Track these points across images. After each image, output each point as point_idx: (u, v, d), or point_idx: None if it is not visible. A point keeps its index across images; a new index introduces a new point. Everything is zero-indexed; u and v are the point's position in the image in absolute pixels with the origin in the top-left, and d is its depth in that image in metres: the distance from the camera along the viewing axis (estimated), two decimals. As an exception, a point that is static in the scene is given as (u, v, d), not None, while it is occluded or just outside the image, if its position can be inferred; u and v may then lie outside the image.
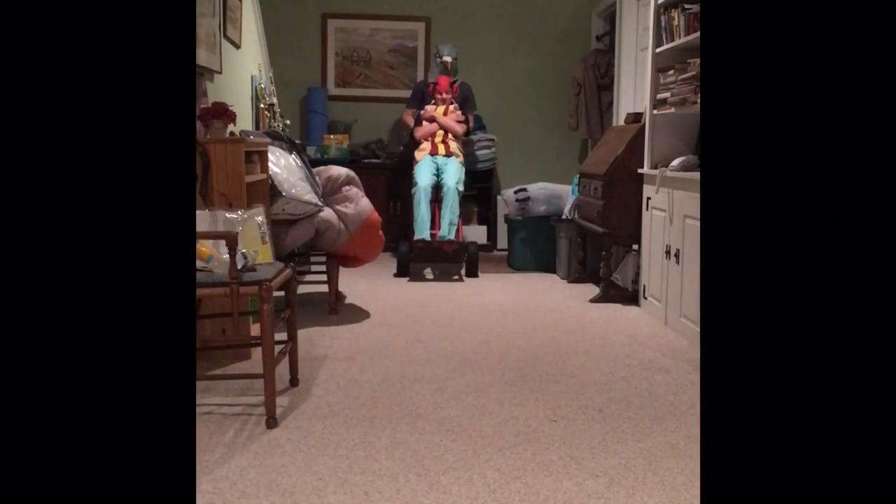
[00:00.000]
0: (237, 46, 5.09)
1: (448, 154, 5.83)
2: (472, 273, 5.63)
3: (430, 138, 5.90)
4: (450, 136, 5.91)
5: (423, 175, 5.67)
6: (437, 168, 5.75)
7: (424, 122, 5.98)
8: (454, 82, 6.09)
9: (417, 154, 5.89)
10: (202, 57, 4.08)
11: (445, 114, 5.98)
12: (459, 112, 6.01)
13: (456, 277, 5.48)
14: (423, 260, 5.55)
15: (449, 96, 6.01)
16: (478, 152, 6.67)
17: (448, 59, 6.07)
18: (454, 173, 5.69)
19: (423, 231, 5.50)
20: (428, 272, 5.73)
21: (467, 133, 6.14)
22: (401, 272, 5.61)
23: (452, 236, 5.50)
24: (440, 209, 5.67)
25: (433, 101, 6.04)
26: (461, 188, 5.69)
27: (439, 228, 5.57)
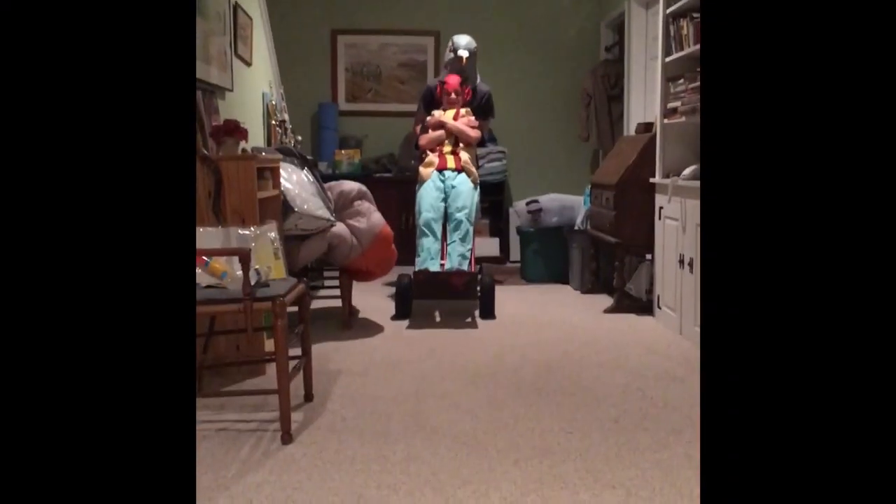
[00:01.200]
0: (248, 64, 5.13)
1: (458, 168, 4.86)
2: (487, 313, 4.61)
3: (437, 149, 4.95)
4: (461, 145, 4.94)
5: (429, 201, 4.71)
6: (445, 189, 4.79)
7: (431, 130, 5.02)
8: (465, 81, 5.09)
9: (423, 170, 4.90)
10: (213, 75, 4.11)
11: (456, 118, 5.00)
12: (472, 118, 5.03)
13: (468, 321, 4.51)
14: (426, 295, 4.67)
15: (460, 98, 5.04)
16: (488, 164, 6.66)
17: (464, 54, 4.97)
18: (465, 198, 4.72)
19: (427, 262, 4.56)
20: (436, 314, 4.70)
21: (482, 142, 5.18)
22: (400, 313, 4.59)
23: (464, 268, 4.55)
24: (448, 237, 4.71)
25: (442, 105, 5.10)
26: (473, 219, 4.75)
27: (446, 259, 4.63)
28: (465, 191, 4.75)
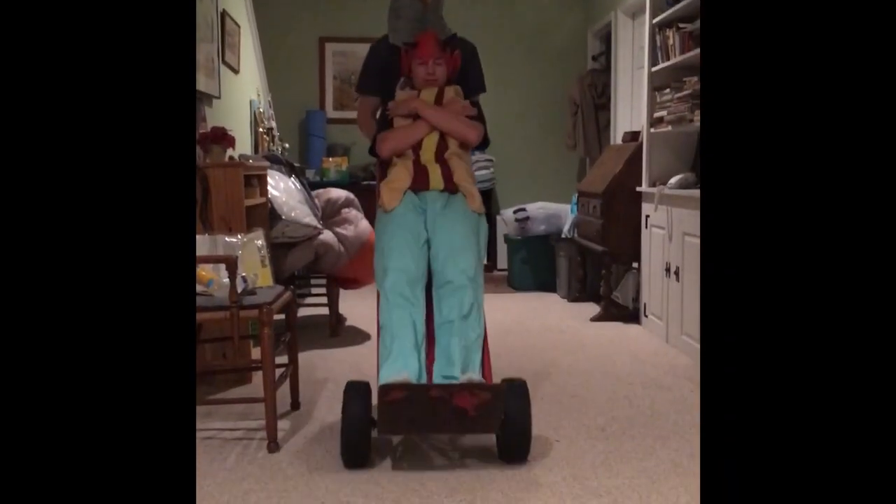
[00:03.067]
0: (236, 71, 5.12)
1: (451, 189, 2.75)
2: (517, 454, 2.44)
3: (411, 152, 2.80)
4: (452, 146, 2.79)
5: (400, 250, 2.59)
6: (428, 225, 2.68)
7: (398, 121, 2.85)
8: (449, 42, 2.91)
9: (386, 193, 2.74)
10: (201, 82, 4.10)
11: (439, 103, 2.84)
12: (466, 102, 2.86)
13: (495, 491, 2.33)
14: (402, 427, 2.43)
15: (442, 68, 2.85)
16: (476, 172, 6.63)
17: None
18: (466, 245, 2.62)
19: (403, 365, 2.42)
20: (422, 470, 2.45)
21: (485, 142, 2.87)
22: (350, 460, 2.41)
23: (475, 374, 2.45)
24: (437, 315, 2.58)
25: (410, 82, 2.92)
26: (481, 280, 2.61)
27: (434, 360, 2.53)
28: (465, 229, 2.66)
